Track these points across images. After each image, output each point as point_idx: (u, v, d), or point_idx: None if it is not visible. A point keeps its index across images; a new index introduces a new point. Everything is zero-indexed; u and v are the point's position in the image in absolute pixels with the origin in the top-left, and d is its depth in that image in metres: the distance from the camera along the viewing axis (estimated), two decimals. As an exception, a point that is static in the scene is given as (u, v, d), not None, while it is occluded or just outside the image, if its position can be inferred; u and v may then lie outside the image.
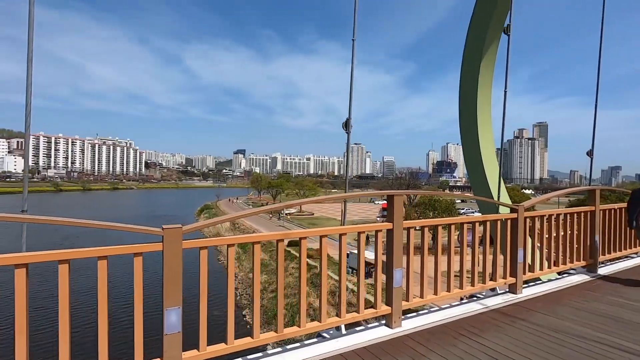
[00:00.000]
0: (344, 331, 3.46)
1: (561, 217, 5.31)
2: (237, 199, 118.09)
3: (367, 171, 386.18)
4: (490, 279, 4.48)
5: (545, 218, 5.12)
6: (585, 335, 3.47)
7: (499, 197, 10.74)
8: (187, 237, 2.56)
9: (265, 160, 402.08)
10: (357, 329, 3.55)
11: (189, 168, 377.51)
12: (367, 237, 3.66)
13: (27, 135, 2.90)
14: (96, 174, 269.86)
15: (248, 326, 3.18)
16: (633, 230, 5.94)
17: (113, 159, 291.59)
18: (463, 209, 61.91)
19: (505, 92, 5.70)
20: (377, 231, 3.56)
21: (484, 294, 4.65)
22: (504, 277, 4.58)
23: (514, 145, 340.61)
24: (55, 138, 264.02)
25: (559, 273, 5.45)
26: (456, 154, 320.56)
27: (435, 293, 3.95)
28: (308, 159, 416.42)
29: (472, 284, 4.25)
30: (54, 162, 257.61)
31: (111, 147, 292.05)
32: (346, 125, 3.76)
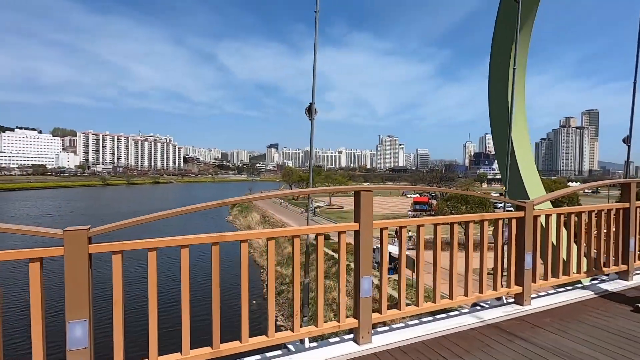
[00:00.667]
0: (307, 345, 3.05)
1: (584, 215, 4.49)
2: (269, 192, 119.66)
3: (401, 164, 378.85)
4: (493, 289, 3.85)
5: (563, 216, 4.36)
6: None
7: (525, 191, 9.70)
8: (97, 239, 2.26)
9: (298, 154, 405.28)
10: (322, 342, 3.12)
11: (224, 162, 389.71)
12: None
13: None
14: (139, 168, 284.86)
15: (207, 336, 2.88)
16: None
17: (154, 155, 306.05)
18: (501, 202, 58.46)
19: (514, 69, 4.89)
20: (340, 232, 3.08)
21: (489, 302, 4.02)
22: (509, 286, 3.92)
23: (560, 135, 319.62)
24: (103, 135, 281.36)
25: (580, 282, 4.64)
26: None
27: (417, 305, 3.40)
28: (340, 152, 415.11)
29: (466, 294, 3.65)
30: (102, 158, 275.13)
31: (152, 143, 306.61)
32: (309, 110, 3.28)
